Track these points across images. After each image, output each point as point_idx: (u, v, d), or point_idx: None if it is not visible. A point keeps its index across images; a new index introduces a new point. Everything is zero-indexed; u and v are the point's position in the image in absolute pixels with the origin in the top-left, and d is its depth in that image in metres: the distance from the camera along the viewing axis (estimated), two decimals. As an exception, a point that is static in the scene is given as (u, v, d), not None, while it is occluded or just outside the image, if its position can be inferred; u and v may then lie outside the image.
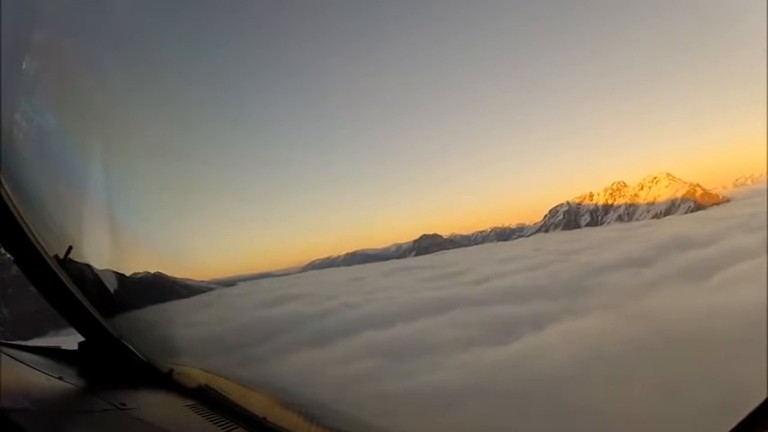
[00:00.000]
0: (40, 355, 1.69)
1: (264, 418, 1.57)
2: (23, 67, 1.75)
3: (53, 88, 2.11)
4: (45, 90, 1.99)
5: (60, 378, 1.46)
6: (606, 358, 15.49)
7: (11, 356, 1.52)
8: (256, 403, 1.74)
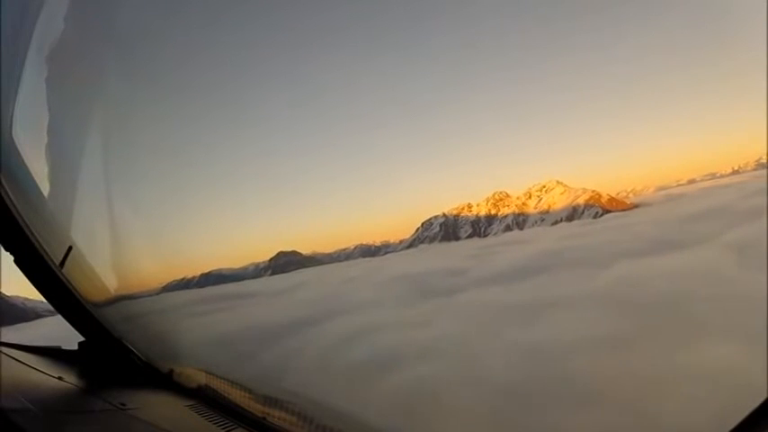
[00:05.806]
0: (40, 355, 1.69)
1: (264, 418, 1.57)
2: (24, 66, 1.75)
3: (53, 88, 2.11)
4: (45, 89, 1.99)
5: (60, 378, 1.46)
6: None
7: (10, 356, 1.51)
8: (256, 403, 1.74)
